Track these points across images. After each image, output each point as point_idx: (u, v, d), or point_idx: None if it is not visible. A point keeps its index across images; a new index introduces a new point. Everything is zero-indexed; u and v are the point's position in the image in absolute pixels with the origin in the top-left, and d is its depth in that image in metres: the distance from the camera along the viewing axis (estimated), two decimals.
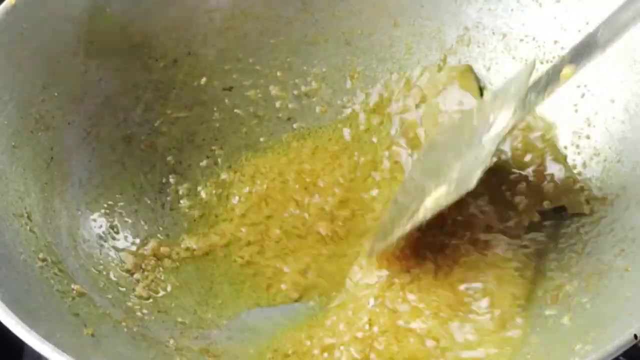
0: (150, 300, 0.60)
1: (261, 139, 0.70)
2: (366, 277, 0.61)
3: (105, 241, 0.62)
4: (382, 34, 0.71)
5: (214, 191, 0.68)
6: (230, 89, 0.71)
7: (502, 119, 0.57)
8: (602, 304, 0.52)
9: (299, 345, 0.58)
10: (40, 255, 0.55)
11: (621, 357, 0.47)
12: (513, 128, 0.57)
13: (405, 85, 0.70)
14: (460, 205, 0.61)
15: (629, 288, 0.51)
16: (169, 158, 0.68)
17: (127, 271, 0.61)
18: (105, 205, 0.63)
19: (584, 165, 0.63)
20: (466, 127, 0.61)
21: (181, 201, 0.67)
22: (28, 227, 0.56)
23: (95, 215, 0.62)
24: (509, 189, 0.63)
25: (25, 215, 0.56)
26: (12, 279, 0.51)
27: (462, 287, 0.58)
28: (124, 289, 0.59)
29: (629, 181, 0.59)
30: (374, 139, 0.70)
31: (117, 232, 0.63)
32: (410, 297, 0.58)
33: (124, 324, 0.56)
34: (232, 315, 0.61)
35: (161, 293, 0.61)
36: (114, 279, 0.60)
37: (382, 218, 0.65)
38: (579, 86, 0.64)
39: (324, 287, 0.63)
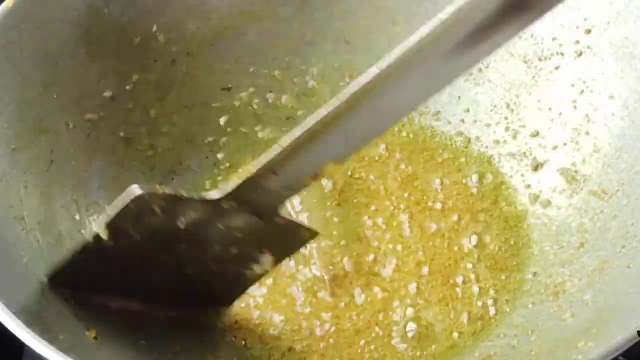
0: None
1: (261, 139, 0.70)
2: None
3: None
4: (381, 32, 0.71)
5: None
6: (229, 89, 0.70)
7: None
8: (604, 300, 0.53)
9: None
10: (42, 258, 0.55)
11: (621, 357, 0.47)
12: None
13: None
14: None
15: (631, 284, 0.51)
16: (169, 159, 0.68)
17: None
18: (107, 207, 0.63)
19: (584, 161, 0.63)
20: None
21: None
22: (29, 230, 0.55)
23: (96, 217, 0.62)
24: None
25: (26, 218, 0.56)
26: (14, 282, 0.51)
27: None
28: None
29: (628, 177, 0.59)
30: None
31: None
32: None
33: (126, 326, 0.56)
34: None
35: None
36: None
37: None
38: (578, 83, 0.64)
39: None
